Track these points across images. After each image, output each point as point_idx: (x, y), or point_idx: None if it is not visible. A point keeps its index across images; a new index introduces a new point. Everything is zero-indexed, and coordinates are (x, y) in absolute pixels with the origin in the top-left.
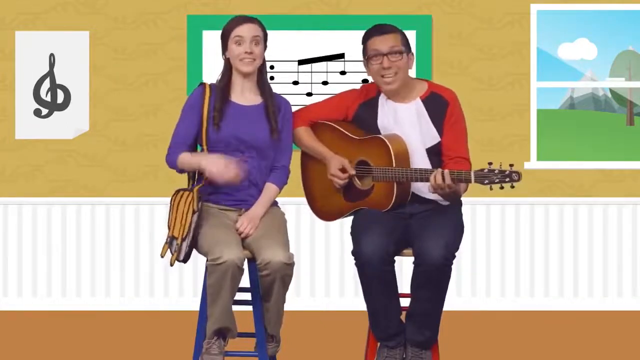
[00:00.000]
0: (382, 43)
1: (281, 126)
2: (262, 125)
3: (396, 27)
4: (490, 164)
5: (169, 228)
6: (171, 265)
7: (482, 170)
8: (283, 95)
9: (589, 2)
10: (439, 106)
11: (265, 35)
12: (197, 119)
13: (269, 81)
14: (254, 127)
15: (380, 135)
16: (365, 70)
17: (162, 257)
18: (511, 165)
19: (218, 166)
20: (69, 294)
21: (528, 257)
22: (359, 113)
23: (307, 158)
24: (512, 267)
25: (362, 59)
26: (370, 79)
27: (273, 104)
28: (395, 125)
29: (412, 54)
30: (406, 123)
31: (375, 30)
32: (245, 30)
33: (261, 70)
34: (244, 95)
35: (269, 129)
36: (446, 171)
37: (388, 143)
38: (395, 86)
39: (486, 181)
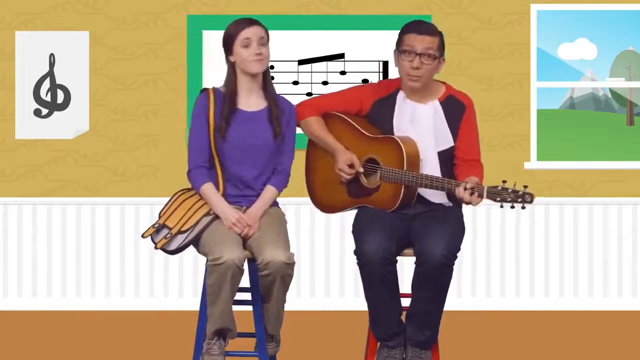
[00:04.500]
0: (419, 42)
1: (284, 129)
2: (266, 129)
3: (437, 29)
4: (504, 182)
5: (160, 216)
6: (155, 248)
7: (495, 187)
8: (283, 96)
9: (589, 2)
10: (456, 109)
11: (269, 37)
12: (207, 126)
13: (273, 84)
14: (258, 132)
15: (394, 136)
16: (372, 69)
17: (143, 237)
18: (525, 187)
19: (227, 222)
20: (69, 294)
21: (528, 257)
22: (374, 108)
23: (314, 148)
24: (512, 267)
25: (394, 48)
26: (371, 74)
27: (277, 107)
28: (411, 125)
29: (444, 58)
30: (422, 124)
31: (415, 27)
32: (252, 33)
33: (265, 72)
34: (250, 99)
35: (272, 132)
36: (460, 188)
37: (401, 144)
38: (419, 86)
39: (498, 199)
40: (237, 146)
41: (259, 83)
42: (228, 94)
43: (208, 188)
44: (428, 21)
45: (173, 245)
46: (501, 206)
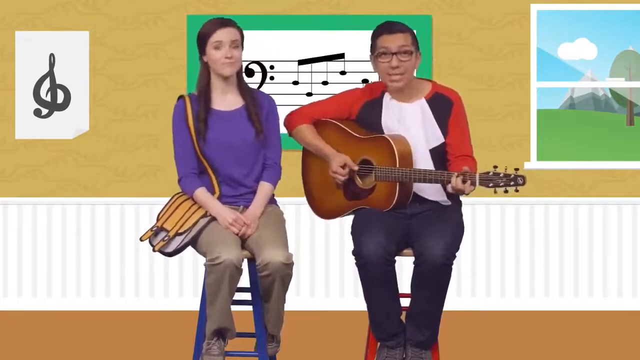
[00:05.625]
0: (392, 42)
1: (266, 124)
2: (245, 128)
3: (406, 25)
4: (495, 167)
5: (158, 219)
6: (153, 250)
7: (487, 173)
8: (283, 96)
9: (589, 2)
10: (444, 106)
11: (243, 38)
12: (189, 132)
13: (248, 84)
14: (238, 132)
15: (385, 135)
16: (372, 69)
17: (141, 240)
18: (516, 170)
19: (224, 222)
20: (69, 294)
21: (528, 257)
22: (362, 112)
23: (309, 155)
24: (512, 267)
25: (369, 54)
26: (371, 74)
27: (255, 104)
28: (399, 125)
29: (420, 53)
30: (411, 123)
31: (385, 28)
32: (224, 35)
33: (239, 72)
34: (226, 99)
35: (254, 130)
36: (452, 177)
37: (392, 143)
38: (402, 85)
39: (490, 184)
40: (219, 147)
41: (234, 82)
42: (202, 96)
43: (201, 192)
44: (396, 20)
45: (171, 247)
46: (495, 191)
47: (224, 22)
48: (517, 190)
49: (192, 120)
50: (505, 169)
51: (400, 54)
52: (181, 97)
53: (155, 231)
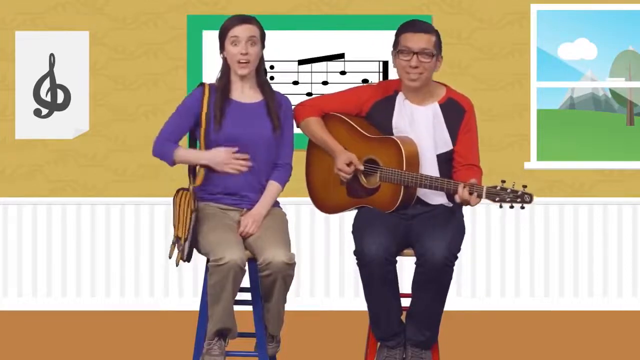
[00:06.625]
0: (415, 41)
1: (282, 123)
2: (264, 122)
3: (432, 26)
4: (503, 182)
5: (174, 227)
6: (176, 265)
7: (494, 187)
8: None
9: (589, 2)
10: (456, 113)
11: (263, 35)
12: (192, 120)
13: (269, 81)
14: (256, 125)
15: (393, 137)
16: (372, 69)
17: (170, 257)
18: (524, 187)
19: (220, 165)
20: (69, 294)
21: (528, 257)
22: (374, 110)
23: (314, 149)
24: (512, 267)
25: (391, 49)
26: (371, 74)
27: (274, 101)
28: (410, 127)
29: (441, 56)
30: (421, 126)
31: (411, 26)
32: (241, 31)
33: (259, 70)
34: (244, 93)
35: (271, 126)
36: (459, 188)
37: (401, 145)
38: (418, 84)
39: (497, 199)
40: (232, 139)
41: (253, 79)
42: (221, 86)
43: (181, 150)
44: (423, 20)
45: (185, 255)
46: (500, 206)
47: (243, 19)
48: (522, 207)
49: (206, 109)
50: (513, 185)
51: (421, 54)
52: (201, 85)
53: (175, 241)
